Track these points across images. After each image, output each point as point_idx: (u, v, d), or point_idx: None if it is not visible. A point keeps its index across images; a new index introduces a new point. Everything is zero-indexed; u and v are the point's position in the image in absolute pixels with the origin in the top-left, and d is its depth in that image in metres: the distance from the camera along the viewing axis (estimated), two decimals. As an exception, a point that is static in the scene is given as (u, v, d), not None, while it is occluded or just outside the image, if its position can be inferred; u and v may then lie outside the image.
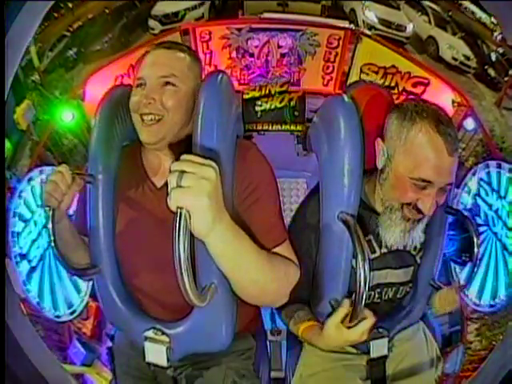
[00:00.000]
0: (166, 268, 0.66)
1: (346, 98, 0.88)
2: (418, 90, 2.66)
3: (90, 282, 1.86)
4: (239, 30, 2.85)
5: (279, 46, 2.88)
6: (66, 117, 2.38)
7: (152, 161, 0.88)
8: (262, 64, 2.91)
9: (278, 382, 1.34)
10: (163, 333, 0.82)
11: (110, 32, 5.72)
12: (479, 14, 6.18)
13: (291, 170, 2.59)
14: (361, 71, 2.81)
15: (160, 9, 5.78)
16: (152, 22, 5.78)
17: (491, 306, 1.99)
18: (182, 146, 0.80)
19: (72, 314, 2.00)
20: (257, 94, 2.66)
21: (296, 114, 2.67)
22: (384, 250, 0.93)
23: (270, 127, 2.70)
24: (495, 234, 2.01)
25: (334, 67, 2.88)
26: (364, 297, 0.72)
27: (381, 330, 0.94)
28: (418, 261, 0.97)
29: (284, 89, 2.69)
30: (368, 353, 0.94)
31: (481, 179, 2.10)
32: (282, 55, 2.90)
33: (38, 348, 0.75)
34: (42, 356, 0.74)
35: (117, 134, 0.88)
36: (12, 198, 1.82)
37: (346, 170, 0.83)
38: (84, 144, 2.70)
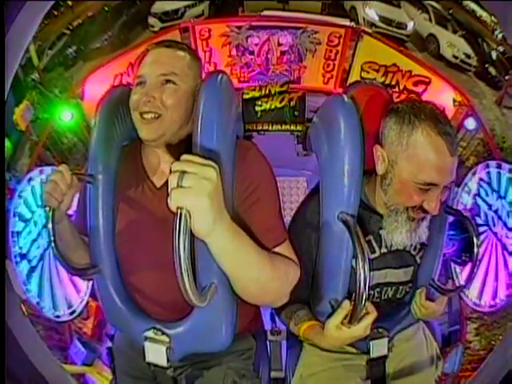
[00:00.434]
0: (165, 267, 0.66)
1: (345, 98, 0.87)
2: (419, 88, 2.66)
3: (90, 282, 1.86)
4: (239, 27, 2.84)
5: (279, 44, 2.88)
6: (65, 116, 2.38)
7: (152, 160, 0.87)
8: (262, 62, 2.90)
9: (277, 382, 1.34)
10: (163, 333, 0.82)
11: (110, 30, 5.71)
12: (480, 12, 6.16)
13: (291, 169, 2.59)
14: (361, 69, 2.80)
15: (159, 6, 5.77)
16: (152, 20, 5.77)
17: (491, 306, 2.00)
18: (182, 146, 0.80)
19: (72, 313, 2.01)
20: (257, 93, 2.66)
21: (296, 113, 2.67)
22: (384, 250, 0.93)
23: (270, 127, 2.70)
24: (495, 234, 2.01)
25: (334, 65, 2.87)
26: (364, 297, 0.72)
27: (381, 329, 0.94)
28: (418, 261, 0.97)
29: (284, 89, 2.68)
30: (368, 353, 0.94)
31: (481, 179, 2.10)
32: (283, 53, 2.89)
33: (38, 348, 0.75)
34: (42, 356, 0.75)
35: (117, 134, 0.87)
36: (12, 198, 1.82)
37: (345, 169, 0.83)
38: (83, 142, 2.70)
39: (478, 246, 0.94)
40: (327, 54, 2.85)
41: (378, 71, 2.75)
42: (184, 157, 0.58)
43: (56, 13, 5.60)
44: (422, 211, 0.84)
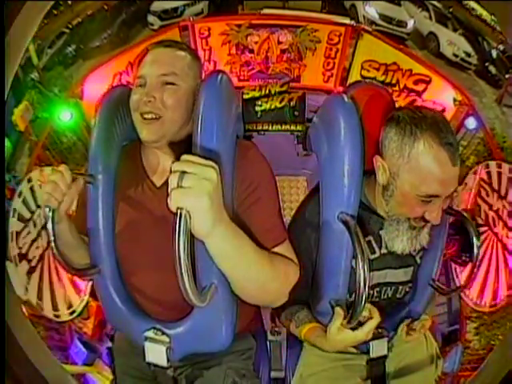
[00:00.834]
0: (166, 267, 0.65)
1: (345, 98, 0.87)
2: (419, 87, 2.65)
3: (90, 282, 1.86)
4: (239, 26, 2.83)
5: (279, 42, 2.87)
6: (64, 115, 2.38)
7: (152, 160, 0.87)
8: (262, 60, 2.89)
9: (277, 382, 1.34)
10: (163, 333, 0.82)
11: (109, 28, 5.69)
12: (480, 10, 6.15)
13: (291, 169, 2.59)
14: (362, 67, 2.80)
15: (159, 4, 5.75)
16: (151, 18, 5.76)
17: (492, 306, 2.00)
18: (182, 146, 0.80)
19: (72, 314, 2.01)
20: (257, 93, 2.65)
21: (296, 113, 2.66)
22: (384, 251, 0.93)
23: (270, 127, 2.69)
24: (496, 234, 2.01)
25: (334, 63, 2.87)
26: (364, 297, 0.72)
27: (381, 330, 0.93)
28: (418, 261, 0.97)
29: (284, 89, 2.67)
30: (368, 353, 0.95)
31: (481, 179, 2.10)
32: (282, 51, 2.88)
33: (38, 348, 0.75)
34: (42, 356, 0.75)
35: (117, 134, 0.87)
36: (12, 198, 1.81)
37: (345, 170, 0.82)
38: (83, 142, 2.69)
39: (479, 247, 0.94)
40: (327, 52, 2.85)
41: (378, 69, 2.75)
42: (184, 157, 0.58)
43: (55, 12, 5.58)
44: (424, 220, 0.83)
